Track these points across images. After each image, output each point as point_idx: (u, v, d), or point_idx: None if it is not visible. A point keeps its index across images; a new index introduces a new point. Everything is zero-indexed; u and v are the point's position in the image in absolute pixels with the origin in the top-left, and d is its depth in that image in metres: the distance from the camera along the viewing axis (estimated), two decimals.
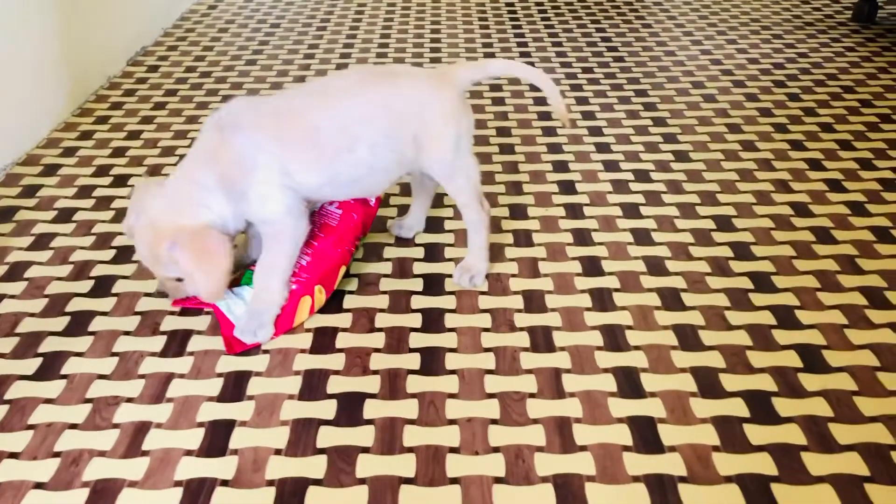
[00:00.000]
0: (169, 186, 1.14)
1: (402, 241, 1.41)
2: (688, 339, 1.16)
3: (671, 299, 1.24)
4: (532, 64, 2.21)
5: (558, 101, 1.29)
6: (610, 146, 1.74)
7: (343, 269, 1.25)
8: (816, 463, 0.95)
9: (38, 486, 0.93)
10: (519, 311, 1.22)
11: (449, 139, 1.22)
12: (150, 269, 1.15)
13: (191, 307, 1.22)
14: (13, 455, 0.97)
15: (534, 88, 2.05)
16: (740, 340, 1.15)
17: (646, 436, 0.99)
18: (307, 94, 1.20)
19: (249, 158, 1.12)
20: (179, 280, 1.14)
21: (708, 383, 1.07)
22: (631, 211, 1.49)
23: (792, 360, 1.11)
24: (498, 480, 0.93)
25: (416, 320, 1.20)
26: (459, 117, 1.23)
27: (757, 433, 0.99)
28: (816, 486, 0.92)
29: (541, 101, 1.98)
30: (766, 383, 1.07)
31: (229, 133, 1.13)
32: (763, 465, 0.94)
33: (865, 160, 1.67)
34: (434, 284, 1.29)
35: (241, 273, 1.23)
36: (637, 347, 1.14)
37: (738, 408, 1.03)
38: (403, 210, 1.48)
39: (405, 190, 1.56)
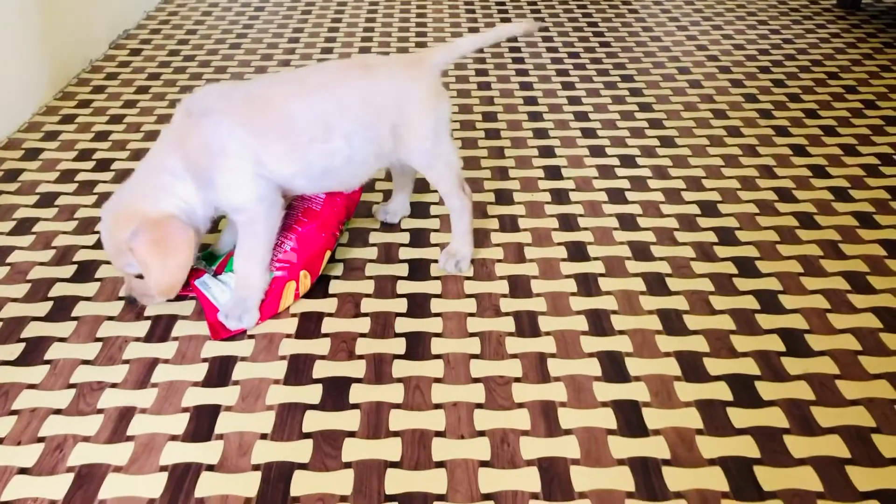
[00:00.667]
0: (137, 172, 1.13)
1: (387, 227, 1.40)
2: (672, 323, 1.16)
3: (656, 284, 1.25)
4: (518, 49, 2.21)
5: (521, 28, 1.31)
6: (596, 131, 1.74)
7: (328, 254, 1.24)
8: (798, 445, 0.96)
9: (23, 471, 0.92)
10: (504, 295, 1.22)
11: (427, 127, 1.21)
12: (113, 263, 1.13)
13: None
14: None
15: (520, 73, 2.04)
16: (724, 325, 1.16)
17: (630, 419, 1.00)
18: (281, 82, 1.18)
19: (217, 144, 1.10)
20: (141, 276, 1.11)
21: (692, 367, 1.08)
22: (616, 196, 1.49)
23: (775, 344, 1.12)
24: (483, 464, 0.93)
25: (401, 305, 1.20)
26: (437, 104, 1.22)
27: (740, 416, 1.00)
28: (798, 468, 0.93)
29: (527, 85, 1.97)
30: (749, 367, 1.08)
31: (198, 117, 1.11)
32: (746, 447, 0.95)
33: (849, 146, 1.68)
34: (419, 269, 1.29)
35: (225, 259, 1.23)
36: (622, 332, 1.14)
37: (721, 391, 1.04)
38: (389, 194, 1.48)
39: (391, 174, 1.55)
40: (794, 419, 0.99)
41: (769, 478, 0.91)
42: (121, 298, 1.21)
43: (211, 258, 1.26)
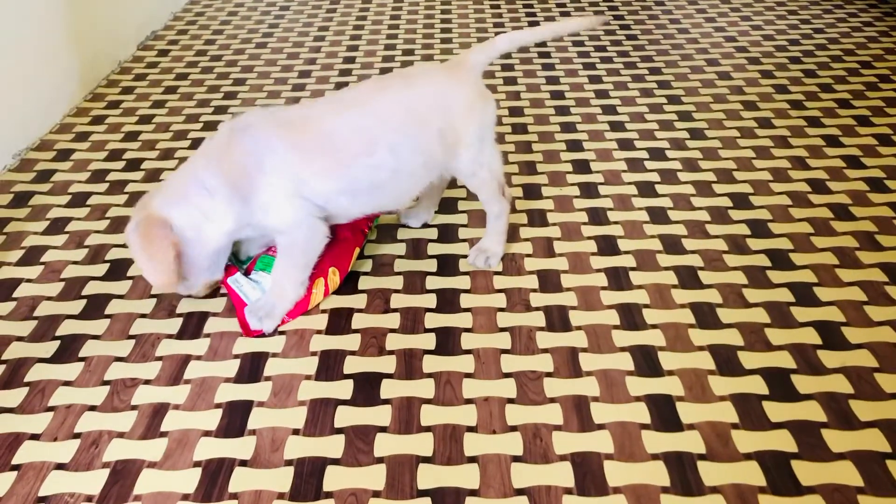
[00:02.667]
0: (171, 178, 1.14)
1: None
2: (705, 317, 1.15)
3: (688, 277, 1.23)
4: (544, 43, 2.19)
5: (584, 23, 1.30)
6: (624, 124, 1.73)
7: (357, 251, 1.24)
8: (837, 439, 0.94)
9: (60, 466, 0.93)
10: (534, 290, 1.21)
11: (471, 133, 1.20)
12: None
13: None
14: (34, 437, 0.97)
15: (546, 67, 2.03)
16: (758, 318, 1.14)
17: (664, 414, 0.98)
18: (323, 103, 1.18)
19: (256, 159, 1.10)
20: None
21: (726, 361, 1.06)
22: (646, 189, 1.48)
23: (811, 337, 1.10)
24: (516, 459, 0.93)
25: (430, 301, 1.20)
26: (482, 108, 1.21)
27: (776, 410, 0.98)
28: (837, 462, 0.91)
29: (553, 80, 1.96)
30: (785, 360, 1.06)
31: (240, 134, 1.12)
32: (783, 442, 0.94)
33: (884, 136, 1.65)
34: (448, 265, 1.28)
35: (256, 258, 1.23)
36: (654, 326, 1.13)
37: (756, 385, 1.02)
38: None
39: None
40: (831, 413, 0.98)
41: (807, 472, 0.90)
42: (153, 296, 1.22)
43: (236, 259, 1.27)
